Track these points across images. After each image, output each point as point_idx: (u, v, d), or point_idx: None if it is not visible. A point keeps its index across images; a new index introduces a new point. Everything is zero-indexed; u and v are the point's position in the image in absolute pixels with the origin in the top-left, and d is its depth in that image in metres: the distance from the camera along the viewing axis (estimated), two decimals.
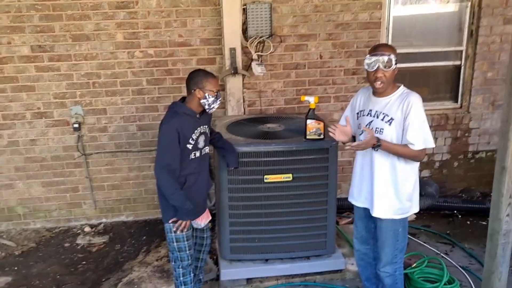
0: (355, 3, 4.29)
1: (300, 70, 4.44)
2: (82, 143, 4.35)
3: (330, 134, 2.63)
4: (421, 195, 4.57)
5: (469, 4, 4.51)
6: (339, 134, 2.62)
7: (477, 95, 4.71)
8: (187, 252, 2.93)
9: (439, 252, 3.83)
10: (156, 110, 4.35)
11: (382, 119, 2.54)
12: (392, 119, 2.51)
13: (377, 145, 2.47)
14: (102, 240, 4.24)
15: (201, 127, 2.83)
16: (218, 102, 2.82)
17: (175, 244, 2.90)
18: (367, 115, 2.64)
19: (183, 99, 2.85)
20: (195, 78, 2.76)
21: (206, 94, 2.73)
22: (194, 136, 2.77)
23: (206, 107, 2.78)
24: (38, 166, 4.38)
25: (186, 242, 2.91)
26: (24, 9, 3.95)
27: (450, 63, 4.70)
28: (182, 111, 2.75)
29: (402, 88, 2.58)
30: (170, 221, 2.85)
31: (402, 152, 2.51)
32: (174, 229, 2.84)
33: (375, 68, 2.46)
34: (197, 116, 2.81)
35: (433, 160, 4.88)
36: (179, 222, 2.82)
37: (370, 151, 2.59)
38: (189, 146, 2.76)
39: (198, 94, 2.73)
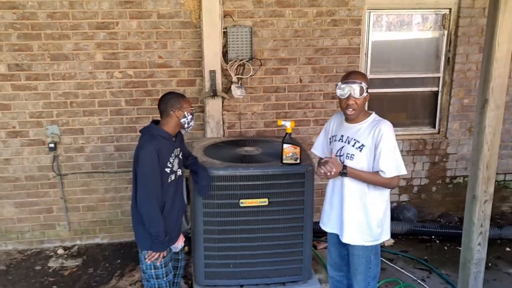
0: (334, 29, 4.35)
1: (280, 94, 4.46)
2: (57, 163, 4.27)
3: (328, 174, 2.51)
4: (399, 219, 4.66)
5: (446, 32, 4.61)
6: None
7: (454, 121, 4.78)
8: (165, 278, 2.87)
9: (416, 279, 3.81)
10: (134, 130, 4.30)
11: (353, 145, 2.55)
12: (363, 145, 2.52)
13: (343, 172, 2.48)
14: (75, 263, 4.13)
15: (176, 150, 2.81)
16: (194, 120, 2.86)
17: (152, 271, 2.82)
18: (339, 140, 2.65)
19: (156, 122, 2.82)
20: (171, 100, 2.75)
21: (185, 113, 2.74)
22: (171, 159, 2.74)
23: (186, 125, 2.79)
24: (12, 186, 4.28)
25: (164, 269, 2.85)
26: (2, 27, 3.92)
27: (428, 89, 4.78)
28: (158, 134, 2.72)
29: (373, 116, 2.60)
30: (146, 258, 2.78)
31: (371, 180, 2.52)
32: (149, 261, 2.77)
33: (346, 95, 2.49)
34: (173, 139, 2.79)
35: (411, 184, 4.91)
36: (156, 255, 2.75)
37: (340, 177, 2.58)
38: (167, 170, 2.72)
39: (178, 114, 2.73)
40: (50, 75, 4.09)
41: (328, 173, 2.48)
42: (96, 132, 4.29)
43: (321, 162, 2.53)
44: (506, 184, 5.09)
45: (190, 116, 2.79)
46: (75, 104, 4.19)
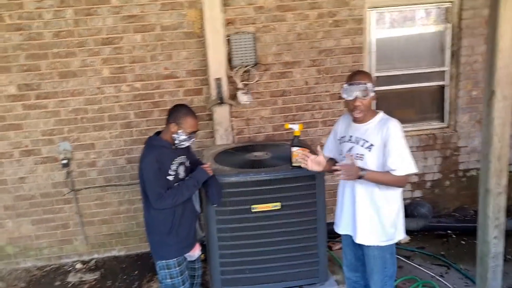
0: (336, 29, 4.36)
1: (286, 97, 4.47)
2: (71, 179, 4.33)
3: (302, 165, 2.66)
4: (414, 216, 4.63)
5: (450, 25, 4.59)
6: (311, 164, 2.64)
7: (463, 114, 4.75)
8: (182, 287, 2.91)
9: (434, 275, 3.78)
10: (144, 142, 4.33)
11: (362, 145, 2.55)
12: (372, 145, 2.51)
13: (362, 174, 2.47)
14: (94, 277, 4.18)
15: (179, 157, 2.86)
16: (191, 141, 2.87)
17: (169, 280, 2.88)
18: (348, 141, 2.65)
19: (159, 132, 2.90)
20: (175, 112, 2.81)
21: (180, 131, 2.77)
22: (173, 167, 2.79)
23: (176, 141, 2.82)
24: (28, 204, 4.35)
25: (180, 277, 2.90)
26: (10, 49, 4.00)
27: (435, 83, 4.75)
28: (158, 143, 2.80)
29: (381, 115, 2.60)
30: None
31: (385, 180, 2.50)
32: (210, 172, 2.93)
33: (352, 97, 2.49)
34: (173, 147, 2.84)
35: (424, 180, 4.88)
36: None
37: None
38: (170, 178, 2.78)
39: (173, 128, 2.78)
40: (60, 93, 4.16)
41: (347, 178, 2.49)
42: (107, 146, 4.34)
43: (342, 167, 2.51)
44: None
45: (184, 137, 2.79)
46: (85, 119, 4.25)
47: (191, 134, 2.82)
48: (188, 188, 2.82)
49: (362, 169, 2.49)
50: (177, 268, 2.88)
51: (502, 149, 2.63)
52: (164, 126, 2.89)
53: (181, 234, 2.87)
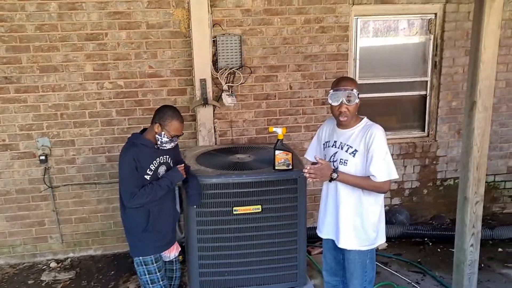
0: (322, 35, 4.40)
1: (270, 101, 4.48)
2: (49, 175, 4.24)
3: (314, 180, 2.57)
4: (392, 223, 4.68)
5: (432, 36, 4.68)
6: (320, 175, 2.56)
7: (443, 123, 4.84)
8: (160, 283, 2.91)
9: (410, 281, 3.83)
10: (126, 141, 4.27)
11: (346, 151, 2.57)
12: (356, 150, 2.54)
13: (332, 177, 2.49)
14: (68, 276, 4.09)
15: (161, 157, 2.84)
16: (172, 144, 2.84)
17: (147, 276, 2.87)
18: (332, 146, 2.66)
19: (144, 130, 2.87)
20: (162, 113, 2.78)
21: (162, 133, 2.74)
22: (152, 167, 2.77)
23: (158, 143, 2.79)
24: (2, 200, 4.23)
25: (158, 274, 2.89)
26: None
27: (416, 93, 4.83)
28: (139, 142, 2.78)
29: (365, 120, 2.63)
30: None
31: (363, 184, 2.53)
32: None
33: (338, 102, 2.51)
34: (156, 147, 2.81)
35: (403, 188, 4.95)
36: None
37: (334, 182, 2.59)
38: (147, 177, 2.76)
39: (156, 128, 2.76)
40: (40, 87, 4.07)
41: (314, 179, 2.51)
42: (88, 143, 4.27)
43: (312, 167, 2.53)
44: (496, 185, 5.15)
45: (166, 139, 2.76)
46: (65, 115, 4.17)
47: (174, 138, 2.80)
48: (162, 188, 2.78)
49: (335, 171, 2.51)
50: (155, 265, 2.87)
51: (481, 159, 2.69)
52: (148, 125, 2.87)
53: (158, 233, 2.86)
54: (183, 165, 2.99)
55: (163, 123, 2.73)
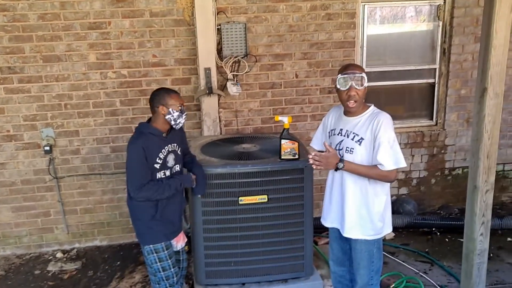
0: (329, 22, 4.32)
1: (276, 90, 4.43)
2: (53, 166, 4.23)
3: (318, 167, 2.51)
4: (399, 213, 4.64)
5: (441, 23, 4.59)
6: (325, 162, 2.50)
7: (451, 112, 4.76)
8: (172, 270, 2.89)
9: (418, 271, 3.79)
10: (130, 131, 4.25)
11: (353, 139, 2.52)
12: (362, 138, 2.48)
13: (338, 166, 2.44)
14: (74, 267, 4.09)
15: (169, 145, 2.80)
16: (184, 116, 2.79)
17: (158, 264, 2.84)
18: (338, 134, 2.61)
19: (150, 119, 2.83)
20: (157, 96, 2.75)
21: (170, 109, 2.70)
22: (161, 155, 2.74)
23: (172, 122, 2.74)
24: (8, 190, 4.23)
25: (169, 261, 2.87)
26: None
27: (424, 81, 4.75)
28: (147, 131, 2.73)
29: (372, 108, 2.57)
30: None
31: (369, 174, 2.47)
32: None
33: (348, 86, 2.45)
34: (164, 135, 2.77)
35: (410, 177, 4.89)
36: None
37: (340, 171, 2.54)
38: (157, 166, 2.72)
39: (162, 110, 2.70)
40: (43, 77, 4.04)
41: (318, 167, 2.46)
42: (92, 134, 4.24)
43: (317, 153, 2.48)
44: (506, 174, 5.08)
45: (177, 113, 2.72)
46: (69, 106, 4.14)
47: (182, 109, 2.75)
48: (170, 187, 2.75)
49: (341, 161, 2.46)
50: (166, 252, 2.84)
51: (491, 147, 2.63)
52: (151, 115, 2.82)
53: (166, 220, 2.83)
54: (195, 176, 2.96)
55: (165, 102, 2.70)
